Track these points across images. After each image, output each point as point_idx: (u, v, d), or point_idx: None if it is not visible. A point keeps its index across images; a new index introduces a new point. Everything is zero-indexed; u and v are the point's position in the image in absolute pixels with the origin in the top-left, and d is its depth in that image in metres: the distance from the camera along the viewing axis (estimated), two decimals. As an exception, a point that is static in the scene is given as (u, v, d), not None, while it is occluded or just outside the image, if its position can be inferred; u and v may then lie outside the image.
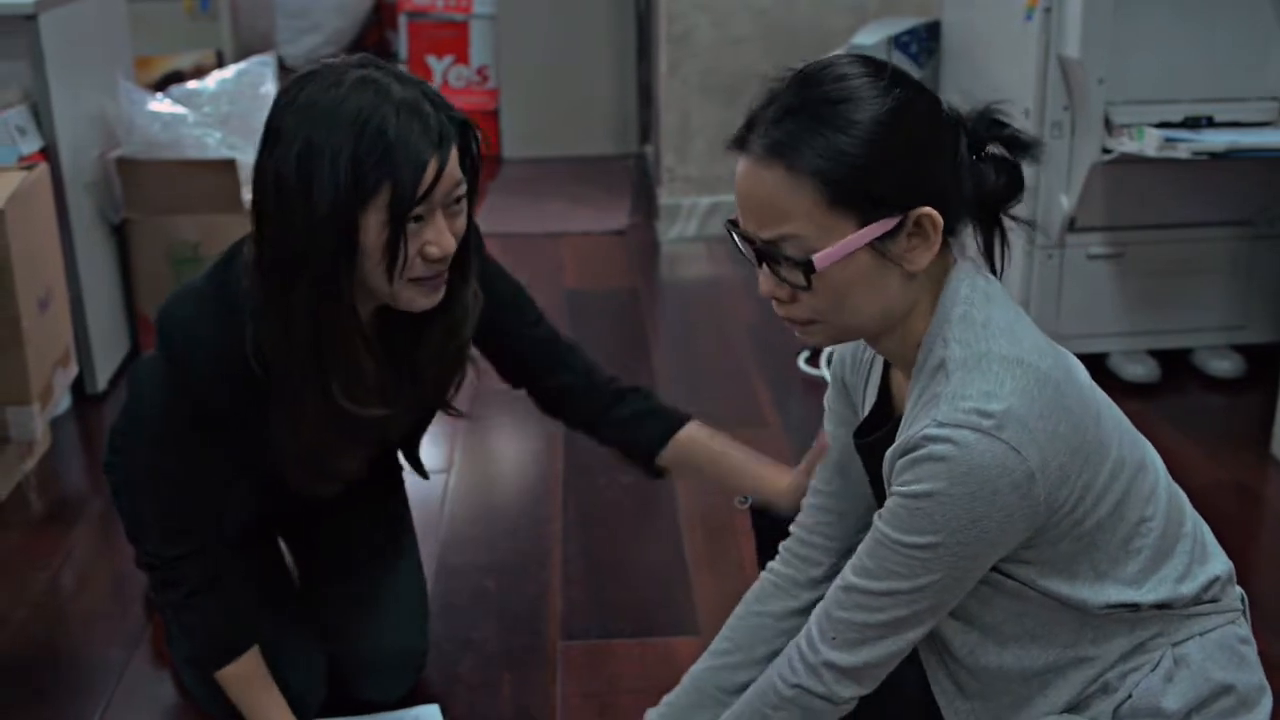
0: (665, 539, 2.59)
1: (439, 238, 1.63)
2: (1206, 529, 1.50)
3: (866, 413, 1.55)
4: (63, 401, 3.10)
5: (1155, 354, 3.28)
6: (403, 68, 1.68)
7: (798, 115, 1.33)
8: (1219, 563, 1.47)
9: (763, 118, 1.35)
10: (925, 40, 3.80)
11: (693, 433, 2.05)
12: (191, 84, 3.67)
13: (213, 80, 3.66)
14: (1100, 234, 3.20)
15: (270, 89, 3.64)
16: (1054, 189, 3.15)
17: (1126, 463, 1.39)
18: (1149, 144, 2.88)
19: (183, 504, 1.81)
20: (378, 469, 2.09)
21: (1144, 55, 3.00)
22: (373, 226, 1.58)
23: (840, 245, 1.32)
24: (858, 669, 1.39)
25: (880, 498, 1.46)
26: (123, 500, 2.10)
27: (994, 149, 1.42)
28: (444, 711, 2.07)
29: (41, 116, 3.05)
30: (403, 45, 5.84)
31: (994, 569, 1.37)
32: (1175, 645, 1.41)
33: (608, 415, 2.05)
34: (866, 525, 1.64)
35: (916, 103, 1.36)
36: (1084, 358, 3.34)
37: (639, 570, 2.49)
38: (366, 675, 2.04)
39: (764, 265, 1.38)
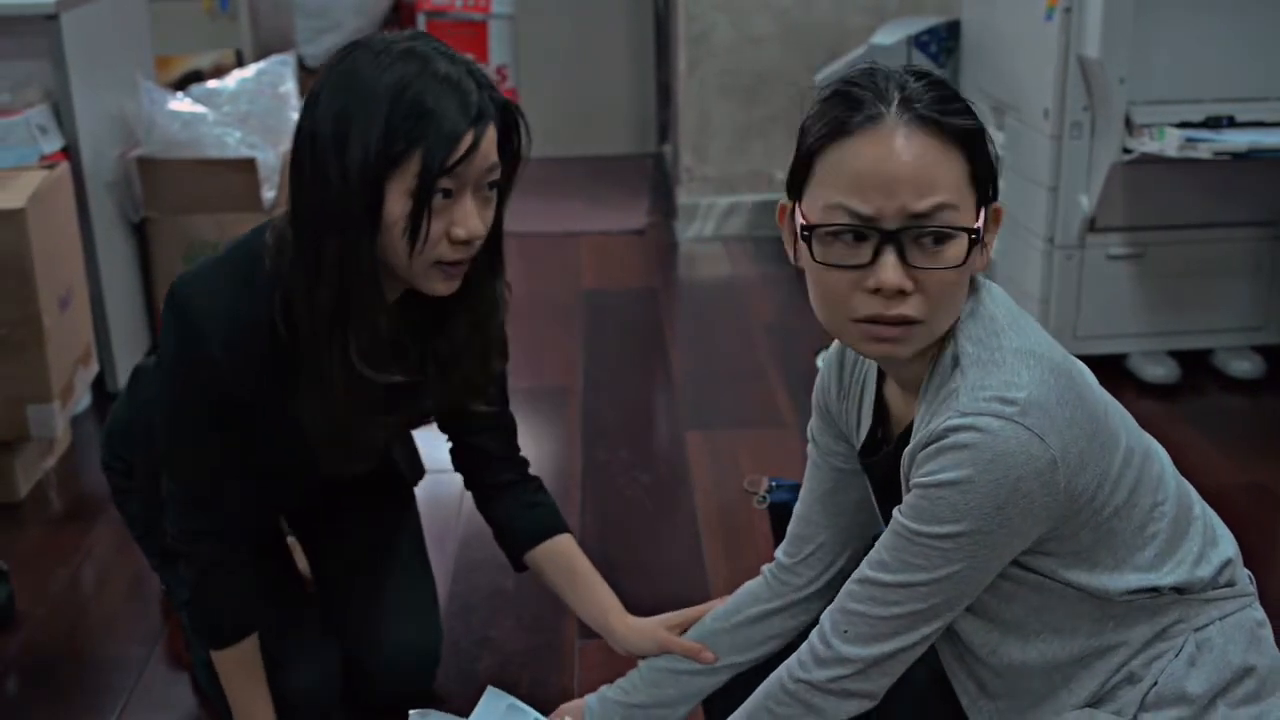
0: (683, 539, 2.59)
1: (466, 219, 1.61)
2: (1213, 513, 1.51)
3: (863, 436, 1.55)
4: (83, 400, 3.11)
5: (1175, 355, 3.27)
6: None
7: (938, 88, 1.32)
8: (1229, 545, 1.48)
9: (891, 93, 1.31)
10: (945, 39, 3.79)
11: (565, 546, 2.01)
12: (211, 83, 3.68)
13: (232, 79, 3.67)
14: (1120, 234, 3.19)
15: (290, 88, 3.65)
16: (1074, 189, 3.14)
17: (1135, 450, 1.40)
18: (1170, 144, 2.87)
19: (202, 480, 1.78)
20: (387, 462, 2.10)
21: (1165, 55, 2.99)
22: (398, 196, 1.57)
23: (979, 221, 1.33)
24: (869, 664, 1.39)
25: (887, 516, 1.47)
26: (126, 502, 2.11)
27: None
28: (460, 711, 2.08)
29: (62, 115, 3.06)
30: (422, 44, 5.84)
31: (1014, 563, 1.37)
32: (1197, 630, 1.41)
33: (500, 494, 2.02)
34: (846, 554, 1.67)
35: None
36: (1104, 358, 3.34)
37: (657, 570, 2.49)
38: (381, 675, 2.04)
39: (890, 252, 1.30)
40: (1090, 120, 3.07)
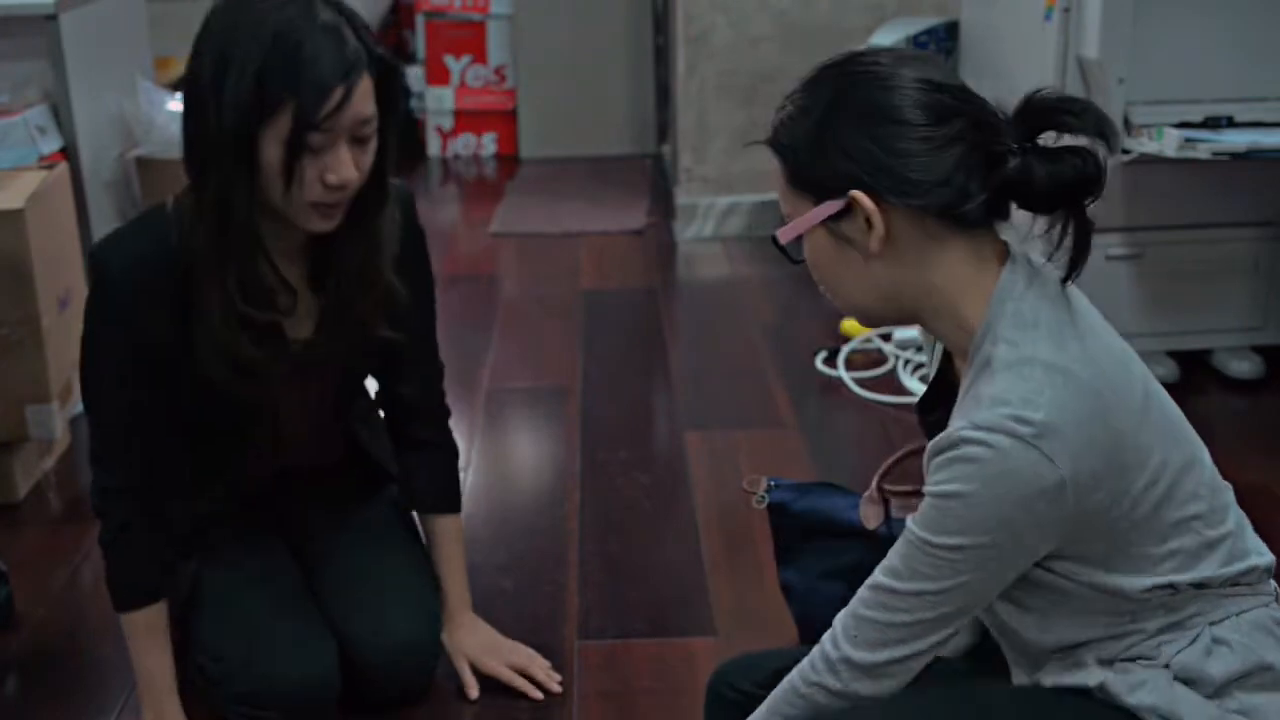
0: (682, 539, 2.59)
1: (339, 167, 1.67)
2: (1247, 524, 1.49)
3: (927, 385, 1.57)
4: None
5: (1174, 355, 3.27)
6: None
7: (791, 98, 1.42)
8: (1259, 556, 1.45)
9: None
10: (944, 40, 3.79)
11: (443, 527, 2.16)
12: (210, 84, 3.68)
13: (231, 80, 3.67)
14: (1119, 235, 3.18)
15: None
16: (1073, 189, 3.13)
17: (1169, 465, 1.38)
18: (1169, 144, 2.87)
19: (115, 432, 1.87)
20: (353, 451, 2.16)
21: (1163, 55, 2.98)
22: (272, 144, 1.64)
23: (794, 224, 1.41)
24: (876, 668, 1.38)
25: None
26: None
27: (1054, 140, 1.38)
28: (461, 710, 2.08)
29: (61, 116, 3.06)
30: (420, 45, 5.85)
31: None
32: (1213, 624, 1.40)
33: (413, 451, 2.15)
34: None
35: (876, 92, 1.37)
36: (1103, 358, 3.25)
37: (656, 570, 2.49)
38: (379, 672, 2.03)
39: None
40: (1089, 120, 3.06)
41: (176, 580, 1.98)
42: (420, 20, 5.83)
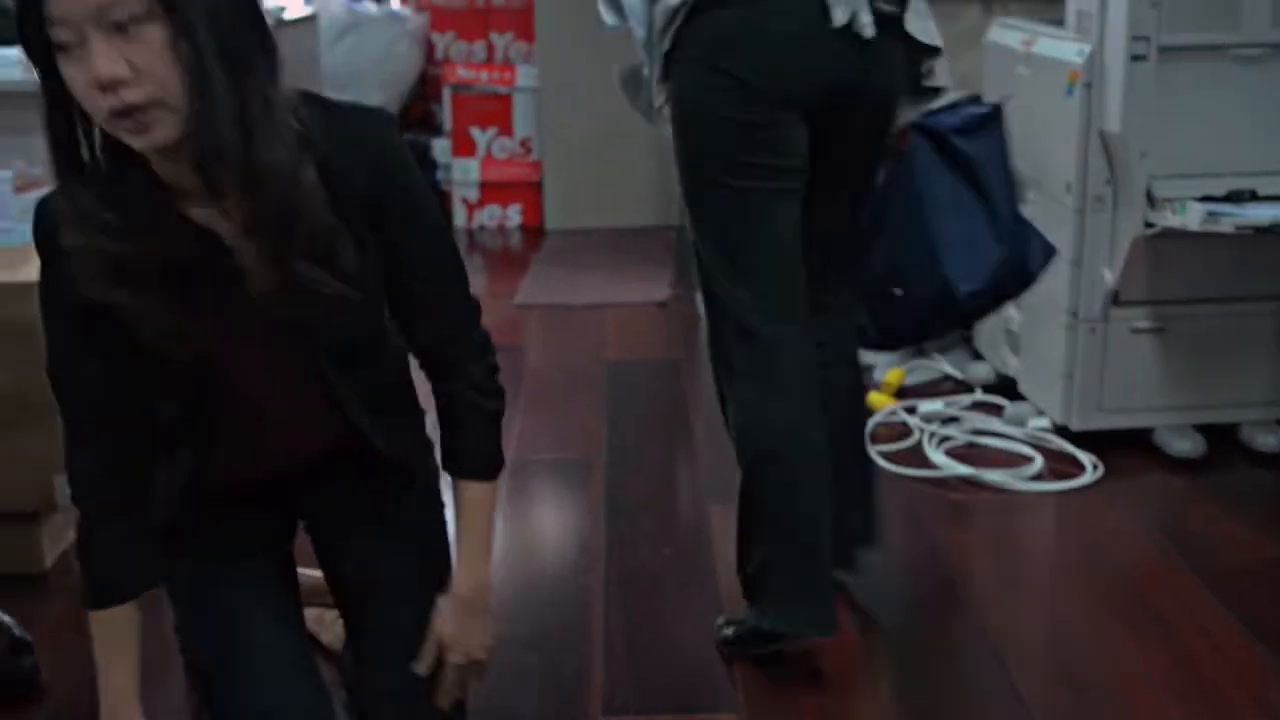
0: (707, 613, 2.58)
1: (92, 61, 1.42)
2: None
3: None
4: (109, 470, 3.12)
5: (1201, 429, 3.25)
6: None
7: None
8: None
9: None
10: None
11: (469, 493, 1.92)
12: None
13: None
14: (1144, 308, 3.19)
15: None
16: (1097, 263, 3.14)
17: None
18: (1192, 218, 2.88)
19: (84, 411, 1.77)
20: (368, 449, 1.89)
21: (1186, 129, 3.00)
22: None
23: None
24: None
25: None
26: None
27: None
28: None
29: (94, 189, 3.10)
30: (447, 117, 5.91)
31: None
32: None
33: (445, 407, 1.89)
34: None
35: None
36: (1129, 432, 3.29)
37: (680, 645, 2.48)
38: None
39: None
40: (1112, 194, 3.08)
41: (157, 581, 1.85)
42: (447, 93, 5.90)
